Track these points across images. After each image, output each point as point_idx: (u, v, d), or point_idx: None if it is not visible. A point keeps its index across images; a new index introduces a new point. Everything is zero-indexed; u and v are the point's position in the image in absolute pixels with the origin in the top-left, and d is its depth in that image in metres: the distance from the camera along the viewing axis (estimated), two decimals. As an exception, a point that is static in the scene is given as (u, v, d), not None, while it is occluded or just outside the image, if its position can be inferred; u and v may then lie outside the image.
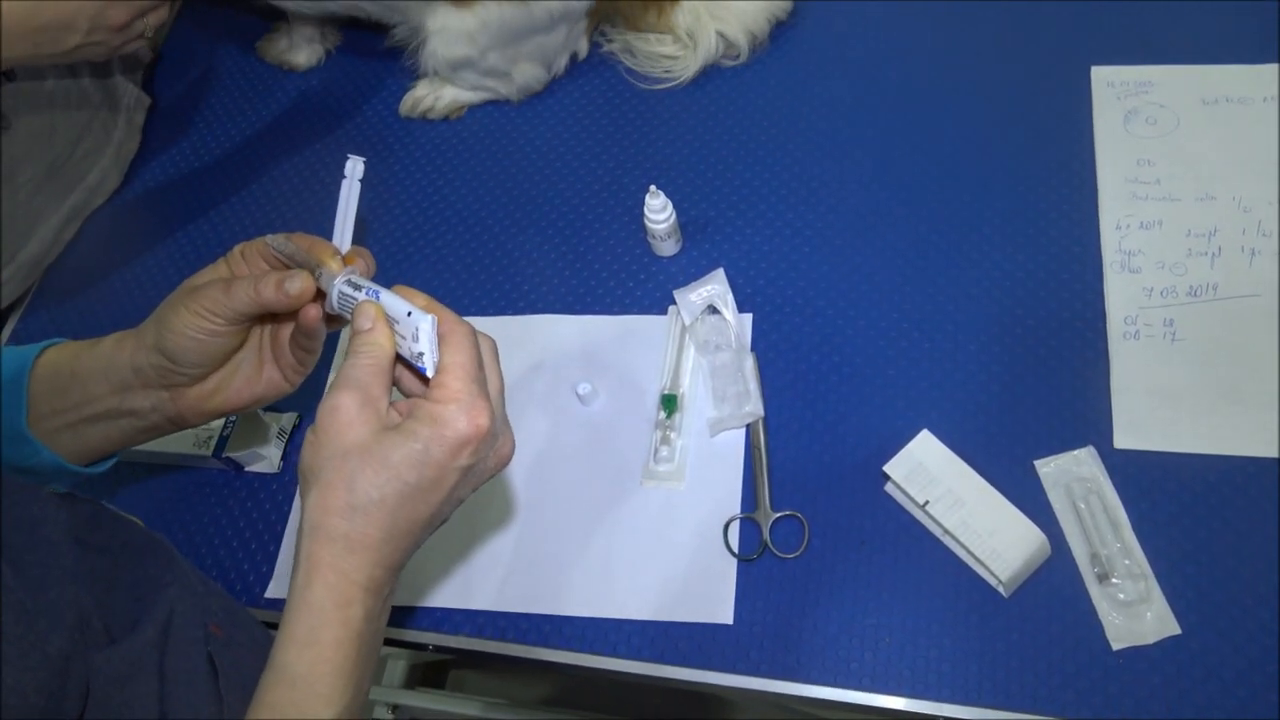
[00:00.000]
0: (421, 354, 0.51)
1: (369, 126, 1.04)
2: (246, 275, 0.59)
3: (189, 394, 0.60)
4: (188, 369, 0.58)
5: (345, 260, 0.57)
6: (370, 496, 0.48)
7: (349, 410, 0.49)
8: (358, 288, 0.55)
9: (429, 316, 0.51)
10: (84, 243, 1.04)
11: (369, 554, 0.48)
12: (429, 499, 0.50)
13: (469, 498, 0.54)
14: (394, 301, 0.53)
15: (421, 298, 0.54)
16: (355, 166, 0.58)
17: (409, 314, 0.52)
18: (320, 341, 0.61)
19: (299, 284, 0.55)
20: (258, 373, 0.62)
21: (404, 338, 0.52)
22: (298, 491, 0.52)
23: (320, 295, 0.57)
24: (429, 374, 0.51)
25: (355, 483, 0.48)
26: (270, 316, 0.60)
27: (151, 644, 0.51)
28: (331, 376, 0.59)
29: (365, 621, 0.48)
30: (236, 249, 0.60)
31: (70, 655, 0.45)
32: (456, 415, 0.49)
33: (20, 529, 0.49)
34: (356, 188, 0.59)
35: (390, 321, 0.53)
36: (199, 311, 0.56)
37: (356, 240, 0.59)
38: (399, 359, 0.53)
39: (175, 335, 0.57)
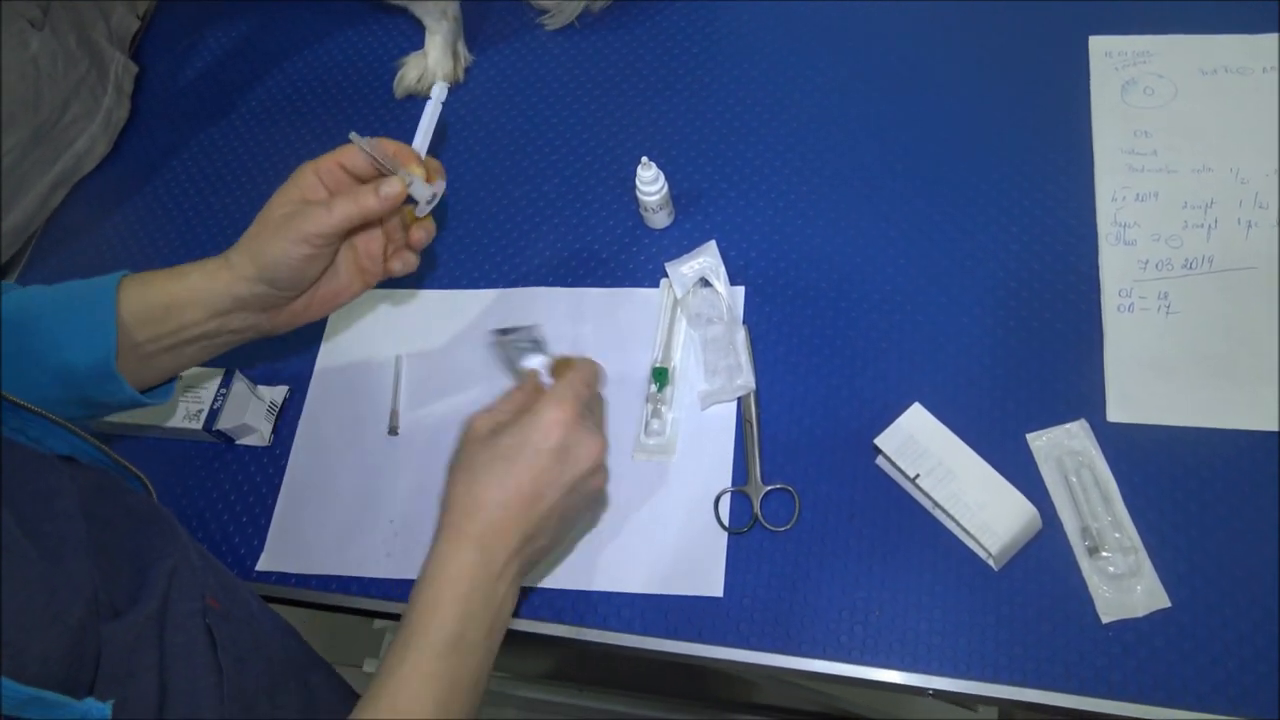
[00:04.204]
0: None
1: (358, 98, 1.03)
2: (331, 194, 0.66)
3: (285, 311, 0.69)
4: (289, 291, 0.67)
5: (426, 168, 0.68)
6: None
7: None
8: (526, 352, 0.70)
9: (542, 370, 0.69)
10: (74, 210, 1.03)
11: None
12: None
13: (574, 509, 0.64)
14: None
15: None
16: (440, 91, 0.70)
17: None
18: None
19: (395, 187, 0.65)
20: (339, 280, 0.71)
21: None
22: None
23: (409, 200, 0.67)
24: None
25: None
26: (357, 230, 0.69)
27: (151, 617, 0.52)
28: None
29: None
30: (307, 169, 0.66)
31: (86, 626, 0.46)
32: (542, 407, 0.61)
33: (37, 501, 0.50)
34: (438, 109, 0.69)
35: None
36: (303, 238, 0.63)
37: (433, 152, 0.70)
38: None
39: (281, 265, 0.64)
